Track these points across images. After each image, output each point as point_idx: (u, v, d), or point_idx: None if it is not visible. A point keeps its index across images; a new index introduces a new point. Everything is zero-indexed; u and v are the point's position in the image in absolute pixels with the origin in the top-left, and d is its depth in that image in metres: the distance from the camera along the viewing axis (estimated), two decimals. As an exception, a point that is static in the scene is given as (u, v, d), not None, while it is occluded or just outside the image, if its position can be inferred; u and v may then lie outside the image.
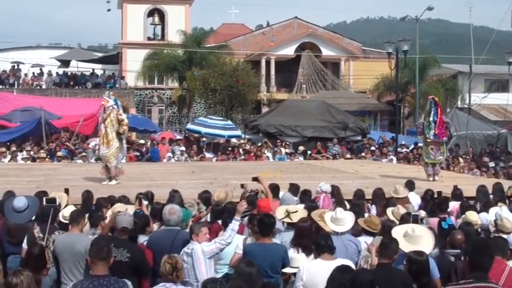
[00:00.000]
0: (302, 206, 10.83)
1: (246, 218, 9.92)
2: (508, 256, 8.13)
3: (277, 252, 8.41)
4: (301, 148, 28.50)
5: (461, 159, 24.75)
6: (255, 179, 12.35)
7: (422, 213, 11.01)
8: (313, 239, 8.23)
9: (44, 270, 7.53)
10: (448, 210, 11.69)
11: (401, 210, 10.49)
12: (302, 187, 12.82)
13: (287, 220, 9.65)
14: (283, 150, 27.36)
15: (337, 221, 9.13)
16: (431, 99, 18.36)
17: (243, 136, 32.57)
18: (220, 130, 30.32)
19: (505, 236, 9.14)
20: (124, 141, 16.98)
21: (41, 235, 9.03)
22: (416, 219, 9.28)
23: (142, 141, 29.55)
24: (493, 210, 10.76)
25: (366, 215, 10.85)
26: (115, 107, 16.32)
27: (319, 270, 7.56)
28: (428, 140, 17.91)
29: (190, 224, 9.31)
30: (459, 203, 12.16)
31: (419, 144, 24.38)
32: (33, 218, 9.68)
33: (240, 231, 9.28)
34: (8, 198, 10.14)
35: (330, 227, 9.09)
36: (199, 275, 8.13)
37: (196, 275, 8.12)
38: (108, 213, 9.63)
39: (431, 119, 17.75)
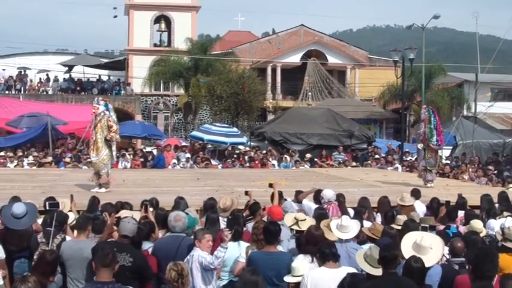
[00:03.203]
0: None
1: (249, 224, 9.95)
2: None
3: (283, 261, 8.38)
4: (308, 155, 28.51)
5: (470, 167, 24.65)
6: (271, 185, 12.37)
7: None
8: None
9: (51, 277, 7.54)
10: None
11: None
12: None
13: (296, 228, 9.64)
14: (288, 158, 27.29)
15: (343, 228, 9.15)
16: (428, 108, 18.82)
17: (247, 143, 32.52)
18: (223, 137, 30.28)
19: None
20: (114, 148, 16.65)
21: (44, 240, 9.05)
22: (425, 230, 9.26)
23: (150, 149, 29.64)
24: (499, 222, 10.73)
25: (369, 223, 10.83)
26: (106, 112, 16.05)
27: (324, 278, 7.57)
28: (430, 147, 18.23)
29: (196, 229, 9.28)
30: (463, 211, 12.16)
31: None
32: (41, 222, 9.74)
33: (246, 239, 9.27)
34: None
35: (335, 234, 9.09)
36: (195, 282, 8.18)
37: (193, 282, 8.16)
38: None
39: (432, 126, 18.10)
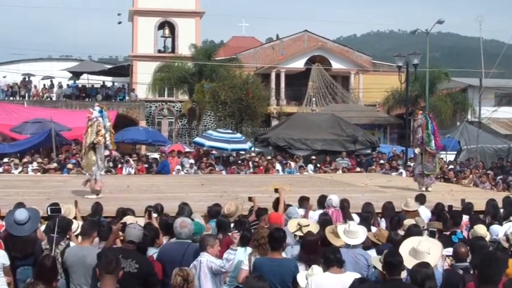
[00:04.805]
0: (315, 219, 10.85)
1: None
2: None
3: (288, 267, 8.34)
4: (313, 156, 28.68)
5: (474, 173, 24.60)
6: (276, 190, 12.35)
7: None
8: (320, 253, 8.19)
9: (54, 282, 7.53)
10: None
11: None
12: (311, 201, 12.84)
13: (299, 233, 9.61)
14: (292, 164, 27.25)
15: (350, 233, 9.11)
16: (425, 113, 19.44)
17: (249, 149, 32.42)
18: (224, 143, 30.18)
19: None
20: (102, 153, 16.50)
21: (48, 246, 9.04)
22: (433, 235, 9.24)
23: (155, 156, 29.66)
24: (504, 228, 10.69)
25: (373, 228, 10.82)
26: (99, 118, 16.04)
27: (328, 283, 7.54)
28: (428, 152, 18.39)
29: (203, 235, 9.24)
30: (468, 216, 12.15)
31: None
32: (43, 229, 9.72)
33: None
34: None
35: (343, 240, 9.05)
36: (204, 287, 8.13)
37: (202, 287, 8.13)
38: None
39: (429, 131, 18.30)
